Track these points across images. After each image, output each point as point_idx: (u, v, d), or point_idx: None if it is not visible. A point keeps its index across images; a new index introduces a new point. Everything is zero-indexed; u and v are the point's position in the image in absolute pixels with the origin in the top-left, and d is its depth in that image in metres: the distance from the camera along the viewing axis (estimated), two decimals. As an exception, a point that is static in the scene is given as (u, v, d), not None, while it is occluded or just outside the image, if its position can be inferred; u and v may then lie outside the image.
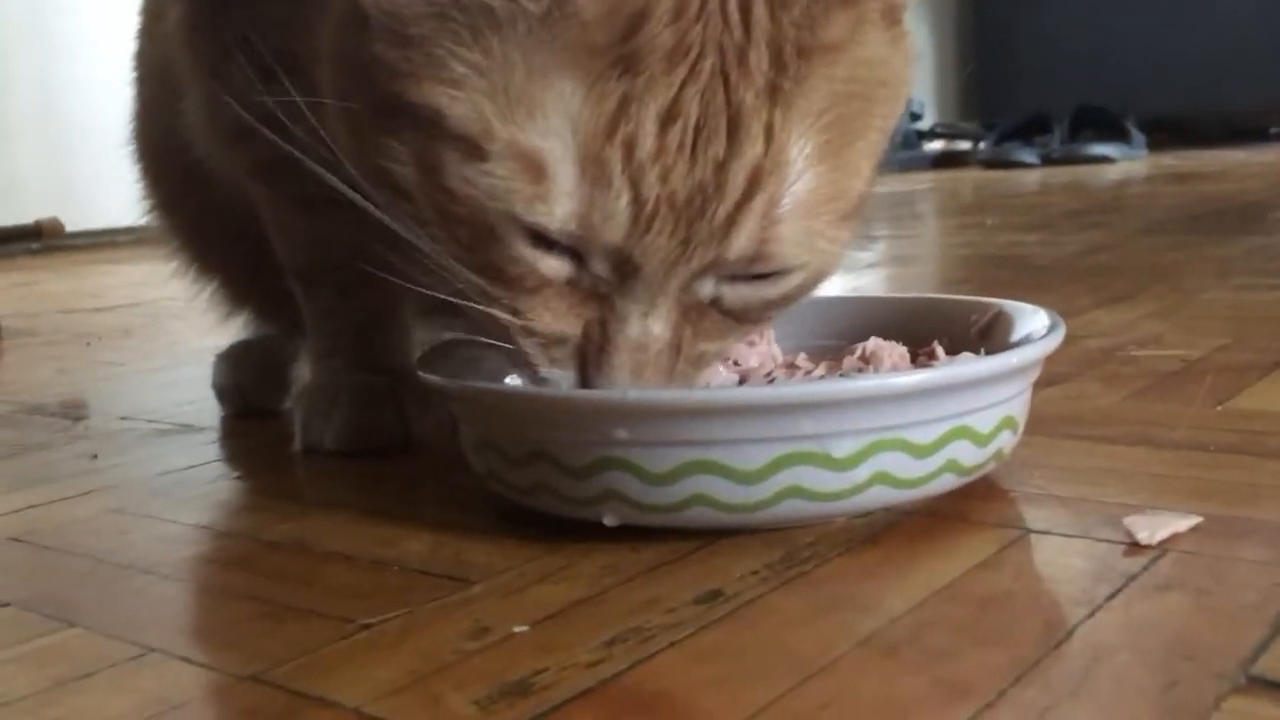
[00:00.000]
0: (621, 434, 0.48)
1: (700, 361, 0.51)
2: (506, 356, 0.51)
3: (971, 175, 3.44)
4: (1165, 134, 3.71)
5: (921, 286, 1.38)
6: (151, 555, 0.55)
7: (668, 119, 0.44)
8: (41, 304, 1.69)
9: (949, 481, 0.51)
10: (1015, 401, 0.53)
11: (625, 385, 0.48)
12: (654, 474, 0.48)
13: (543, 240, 0.46)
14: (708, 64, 0.44)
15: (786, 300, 0.51)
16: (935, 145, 4.15)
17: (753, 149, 0.45)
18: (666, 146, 0.44)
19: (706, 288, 0.49)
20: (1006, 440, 0.53)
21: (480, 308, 0.49)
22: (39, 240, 2.27)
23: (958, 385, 0.49)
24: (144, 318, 1.51)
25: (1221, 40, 3.76)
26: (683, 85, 0.44)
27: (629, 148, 0.44)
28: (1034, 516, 0.52)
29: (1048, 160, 3.48)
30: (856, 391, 0.47)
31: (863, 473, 0.48)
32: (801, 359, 0.62)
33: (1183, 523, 0.48)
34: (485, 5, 0.44)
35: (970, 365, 0.50)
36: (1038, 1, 4.14)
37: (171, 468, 0.72)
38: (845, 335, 0.65)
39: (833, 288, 0.57)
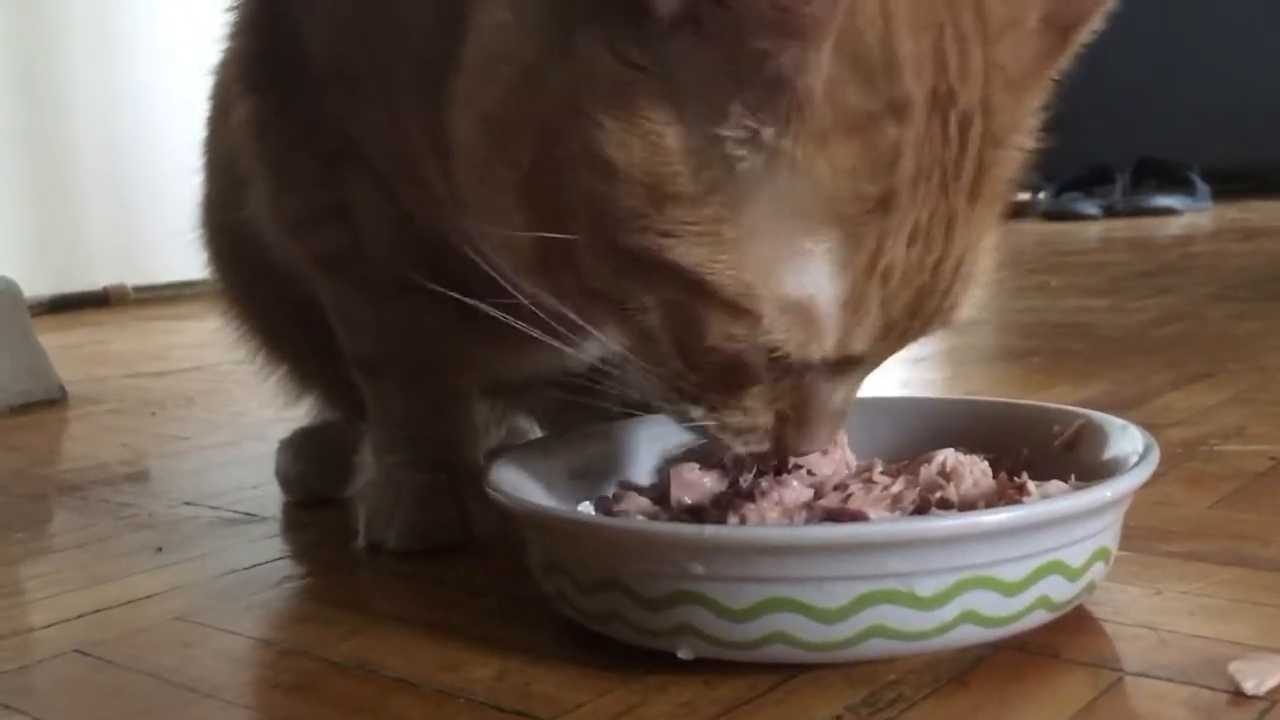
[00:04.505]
0: (698, 569, 0.46)
1: (848, 413, 0.53)
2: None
3: (1031, 227, 3.40)
4: (1231, 183, 3.64)
5: (987, 357, 1.35)
6: (214, 675, 0.54)
7: (911, 241, 0.46)
8: (106, 367, 1.70)
9: (1039, 618, 0.49)
10: (1108, 532, 0.51)
11: (819, 448, 0.52)
12: (732, 610, 0.47)
13: (780, 360, 0.48)
14: (934, 181, 0.46)
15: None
16: (993, 195, 4.10)
17: (961, 245, 0.48)
18: (910, 266, 0.46)
19: None
20: (1099, 572, 0.51)
21: (669, 406, 0.51)
22: (106, 306, 2.32)
23: (1051, 521, 0.47)
24: (207, 383, 1.52)
25: (1288, 88, 3.69)
26: (919, 206, 0.46)
27: (885, 277, 0.46)
28: (1129, 654, 0.49)
29: (1109, 212, 3.42)
30: (944, 531, 0.46)
31: (949, 612, 0.46)
32: (877, 470, 0.60)
33: (1291, 668, 0.46)
34: (752, 171, 0.44)
35: (1064, 501, 0.48)
36: (1098, 49, 4.09)
37: (235, 566, 0.71)
38: (921, 441, 0.63)
39: (898, 379, 0.55)
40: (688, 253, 0.45)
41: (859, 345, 0.47)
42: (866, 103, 0.44)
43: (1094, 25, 0.49)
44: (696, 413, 0.50)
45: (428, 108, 0.58)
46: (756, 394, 0.49)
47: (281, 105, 0.73)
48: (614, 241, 0.47)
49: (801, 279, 0.45)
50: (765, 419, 0.50)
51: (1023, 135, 0.49)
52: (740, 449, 0.51)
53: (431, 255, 0.73)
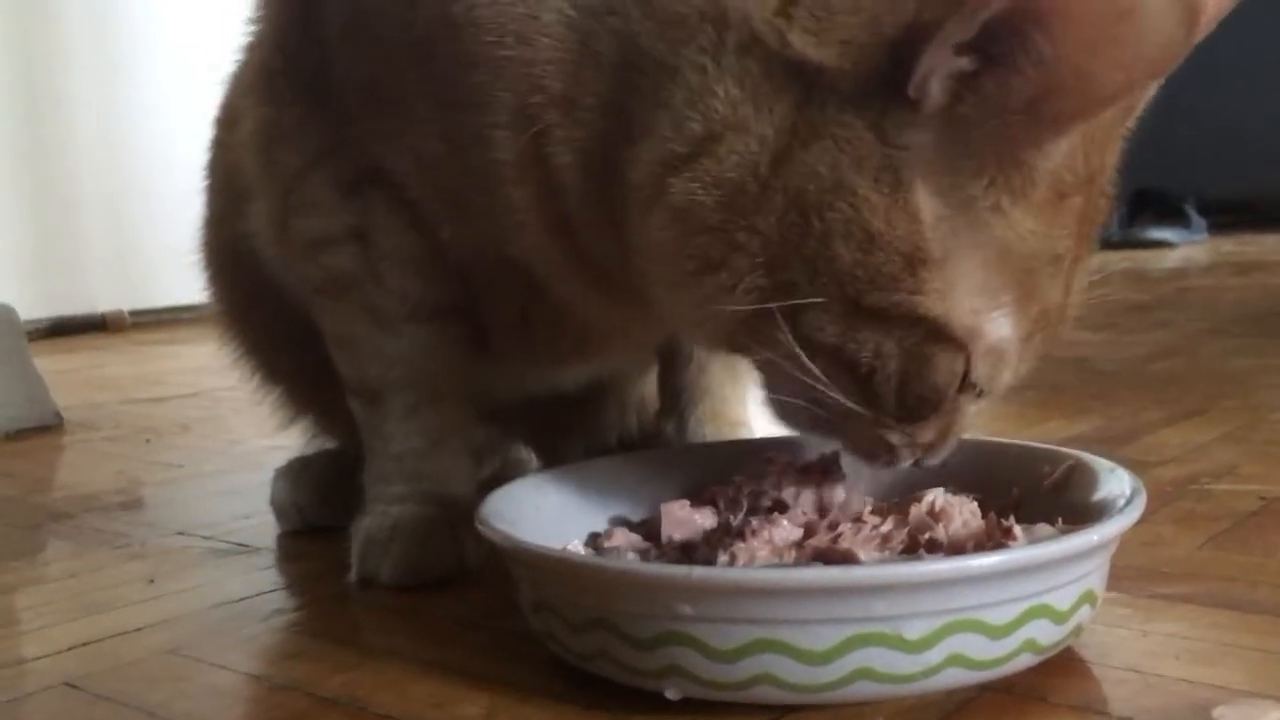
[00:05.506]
0: (686, 609, 0.47)
1: None
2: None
3: (1028, 258, 3.40)
4: (1227, 216, 3.65)
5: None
6: (204, 711, 0.54)
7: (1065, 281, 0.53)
8: (103, 392, 1.71)
9: (1026, 661, 0.49)
10: (1094, 576, 0.51)
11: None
12: (719, 651, 0.47)
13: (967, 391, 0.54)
14: (1079, 234, 0.53)
15: None
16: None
17: (1079, 282, 0.55)
18: (1058, 306, 0.54)
19: None
20: (1086, 615, 0.51)
21: (859, 431, 0.56)
22: (104, 330, 2.32)
23: (1037, 566, 0.47)
24: (202, 410, 1.52)
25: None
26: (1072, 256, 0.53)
27: (1047, 319, 0.53)
28: (1115, 697, 0.49)
29: (1105, 244, 3.42)
30: (931, 574, 0.46)
31: (936, 655, 0.47)
32: (867, 509, 0.60)
33: (1275, 714, 0.46)
34: (987, 237, 0.50)
35: (1050, 546, 0.48)
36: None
37: (227, 598, 0.71)
38: (910, 480, 0.63)
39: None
40: (932, 306, 0.50)
41: (1019, 375, 0.55)
42: (1069, 178, 0.51)
43: (1149, 95, 0.54)
44: (895, 436, 0.56)
45: (549, 146, 0.59)
46: (936, 417, 0.55)
47: (300, 122, 0.72)
48: (860, 301, 0.51)
49: (1000, 324, 0.52)
50: (934, 435, 0.56)
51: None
52: (906, 461, 0.57)
53: (455, 280, 0.73)
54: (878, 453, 0.57)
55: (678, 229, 0.54)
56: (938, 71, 0.48)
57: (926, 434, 0.56)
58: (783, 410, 0.60)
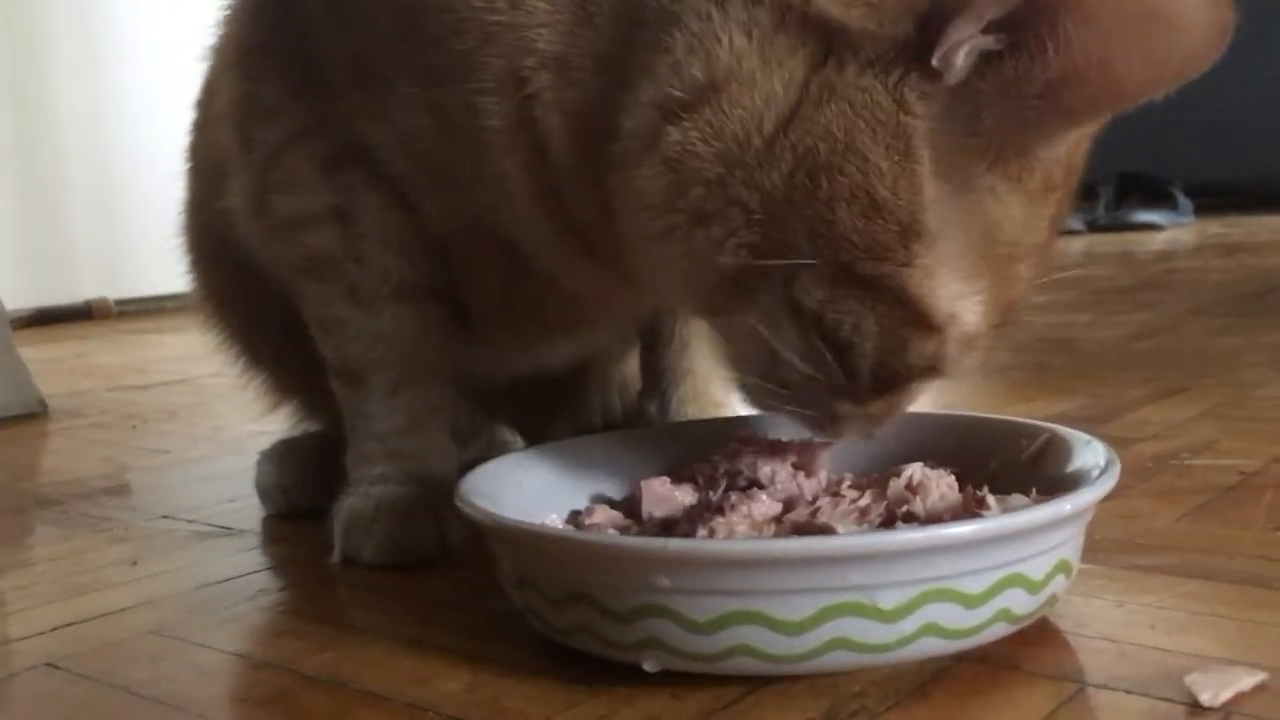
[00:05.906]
0: (664, 582, 0.47)
1: None
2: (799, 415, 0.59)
3: (1016, 242, 3.40)
4: (1213, 199, 3.66)
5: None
6: (185, 689, 0.55)
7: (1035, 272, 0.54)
8: (89, 380, 1.70)
9: (1000, 630, 0.50)
10: (1068, 545, 0.51)
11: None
12: (697, 623, 0.47)
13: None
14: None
15: None
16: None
17: (1043, 268, 0.56)
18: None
19: None
20: (1060, 584, 0.52)
21: (822, 400, 0.56)
22: (89, 319, 2.32)
23: (1010, 534, 0.48)
24: (188, 397, 1.52)
25: (1272, 103, 3.71)
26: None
27: (1014, 306, 0.55)
28: (1090, 666, 0.50)
29: (1093, 227, 3.44)
30: (905, 543, 0.46)
31: (911, 624, 0.47)
32: (846, 484, 0.61)
33: (1247, 680, 0.46)
34: (979, 218, 0.50)
35: (1023, 514, 0.49)
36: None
37: (210, 579, 0.71)
38: (890, 455, 0.63)
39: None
40: (919, 284, 0.50)
41: (977, 362, 0.55)
42: (1059, 171, 0.51)
43: None
44: (845, 409, 0.56)
45: (539, 110, 0.58)
46: (893, 394, 0.56)
47: (278, 98, 0.72)
48: (852, 267, 0.51)
49: (976, 312, 0.52)
50: (884, 409, 0.57)
51: None
52: (852, 434, 0.58)
53: (437, 258, 0.73)
54: (824, 423, 0.58)
55: (670, 179, 0.53)
56: (964, 46, 0.48)
57: (877, 408, 0.56)
58: (746, 384, 0.60)
